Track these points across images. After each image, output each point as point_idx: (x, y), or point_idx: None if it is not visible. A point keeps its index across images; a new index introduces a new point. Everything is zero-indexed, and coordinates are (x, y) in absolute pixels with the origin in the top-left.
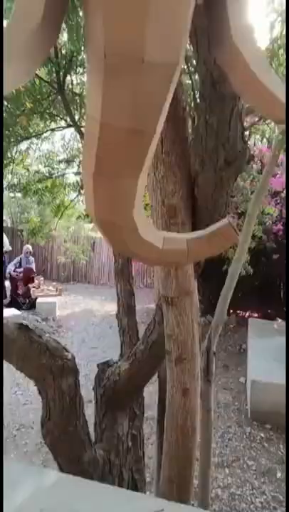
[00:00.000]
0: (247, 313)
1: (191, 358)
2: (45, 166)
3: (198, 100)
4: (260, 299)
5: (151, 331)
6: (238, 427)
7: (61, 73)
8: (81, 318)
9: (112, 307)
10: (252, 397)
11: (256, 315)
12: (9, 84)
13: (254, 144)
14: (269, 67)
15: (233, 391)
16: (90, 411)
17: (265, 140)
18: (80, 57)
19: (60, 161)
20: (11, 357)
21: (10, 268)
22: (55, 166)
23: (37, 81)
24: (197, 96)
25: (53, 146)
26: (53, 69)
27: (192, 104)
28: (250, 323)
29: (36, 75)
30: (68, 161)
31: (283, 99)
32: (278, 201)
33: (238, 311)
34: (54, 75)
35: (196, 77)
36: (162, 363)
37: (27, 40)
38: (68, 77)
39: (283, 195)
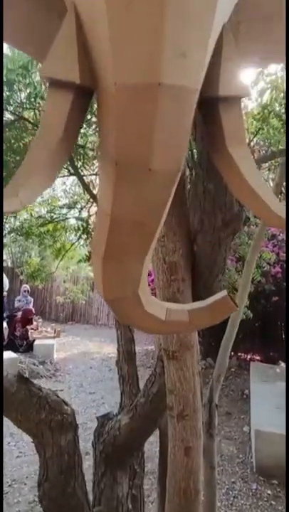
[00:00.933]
0: (248, 356)
1: (193, 413)
2: (47, 212)
3: (195, 157)
4: (262, 342)
5: (152, 383)
6: (244, 483)
7: None
8: (79, 361)
9: (111, 349)
10: (256, 449)
11: (258, 358)
12: (35, 193)
13: None
14: (261, 176)
15: (237, 441)
16: (86, 464)
17: None
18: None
19: (61, 207)
20: (10, 412)
21: (17, 304)
22: (57, 212)
23: None
24: (195, 155)
25: (54, 192)
26: None
27: (190, 158)
28: (252, 367)
29: None
30: (70, 207)
31: (270, 204)
32: (275, 244)
33: (240, 354)
34: None
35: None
36: (163, 416)
37: (49, 154)
38: None
39: (280, 237)
